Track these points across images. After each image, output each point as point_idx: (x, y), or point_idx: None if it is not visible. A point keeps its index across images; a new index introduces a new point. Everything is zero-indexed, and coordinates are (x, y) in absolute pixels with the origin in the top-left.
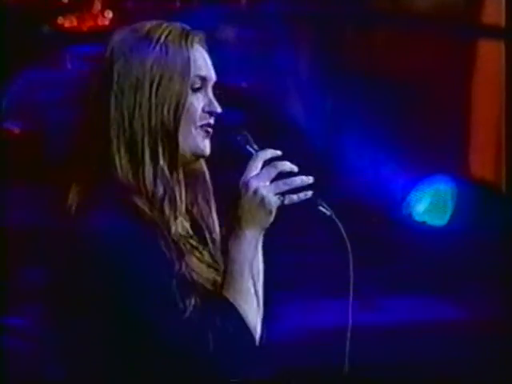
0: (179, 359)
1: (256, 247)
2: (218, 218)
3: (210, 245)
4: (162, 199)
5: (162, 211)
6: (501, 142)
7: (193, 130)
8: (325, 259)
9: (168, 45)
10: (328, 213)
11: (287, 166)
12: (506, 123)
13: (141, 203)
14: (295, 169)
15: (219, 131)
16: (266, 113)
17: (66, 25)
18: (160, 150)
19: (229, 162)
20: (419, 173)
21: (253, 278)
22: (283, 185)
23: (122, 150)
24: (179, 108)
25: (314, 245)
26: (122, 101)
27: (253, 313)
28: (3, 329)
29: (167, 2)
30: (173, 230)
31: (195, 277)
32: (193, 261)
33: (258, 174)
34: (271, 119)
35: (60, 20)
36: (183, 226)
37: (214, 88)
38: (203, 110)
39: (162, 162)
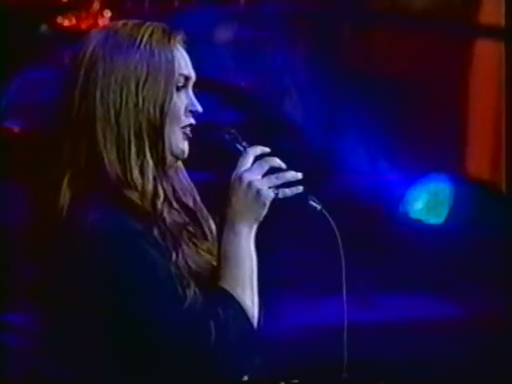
0: (180, 350)
1: (251, 239)
2: (210, 212)
3: (208, 234)
4: (152, 192)
5: (154, 203)
6: (500, 141)
7: (176, 129)
8: (321, 257)
9: (152, 44)
10: (318, 207)
11: (277, 161)
12: (505, 122)
13: (133, 196)
14: (283, 165)
15: (208, 129)
16: (264, 111)
17: (65, 24)
18: (146, 146)
19: (218, 159)
20: (417, 171)
21: (249, 269)
22: (275, 179)
23: (108, 146)
24: (165, 106)
25: (310, 242)
26: (108, 98)
27: (250, 303)
28: (1, 326)
29: (166, 1)
30: (167, 220)
31: (193, 266)
32: (189, 250)
33: (250, 168)
34: (270, 118)
35: (59, 19)
36: (177, 217)
37: (194, 86)
38: (186, 109)
39: (148, 157)
